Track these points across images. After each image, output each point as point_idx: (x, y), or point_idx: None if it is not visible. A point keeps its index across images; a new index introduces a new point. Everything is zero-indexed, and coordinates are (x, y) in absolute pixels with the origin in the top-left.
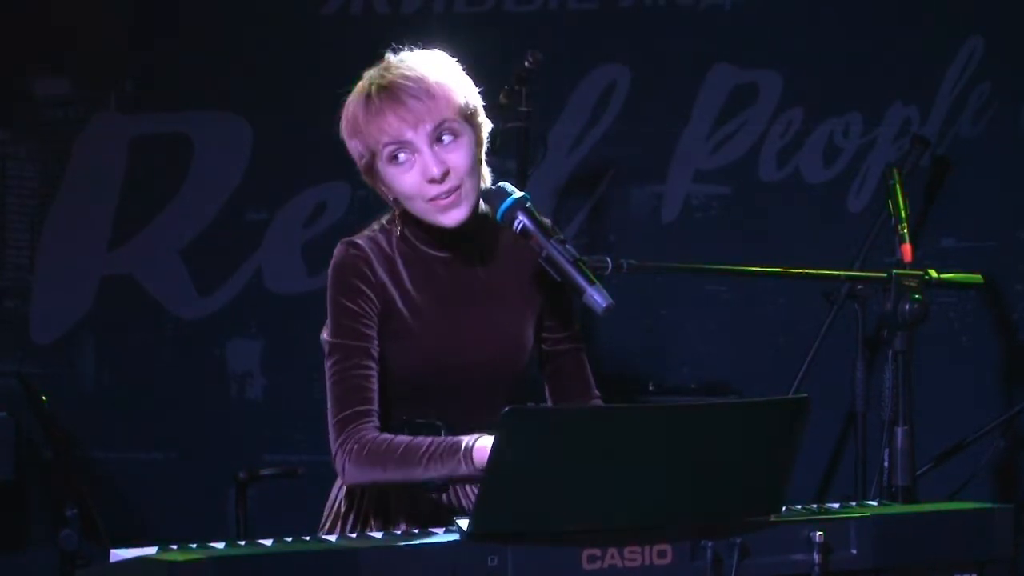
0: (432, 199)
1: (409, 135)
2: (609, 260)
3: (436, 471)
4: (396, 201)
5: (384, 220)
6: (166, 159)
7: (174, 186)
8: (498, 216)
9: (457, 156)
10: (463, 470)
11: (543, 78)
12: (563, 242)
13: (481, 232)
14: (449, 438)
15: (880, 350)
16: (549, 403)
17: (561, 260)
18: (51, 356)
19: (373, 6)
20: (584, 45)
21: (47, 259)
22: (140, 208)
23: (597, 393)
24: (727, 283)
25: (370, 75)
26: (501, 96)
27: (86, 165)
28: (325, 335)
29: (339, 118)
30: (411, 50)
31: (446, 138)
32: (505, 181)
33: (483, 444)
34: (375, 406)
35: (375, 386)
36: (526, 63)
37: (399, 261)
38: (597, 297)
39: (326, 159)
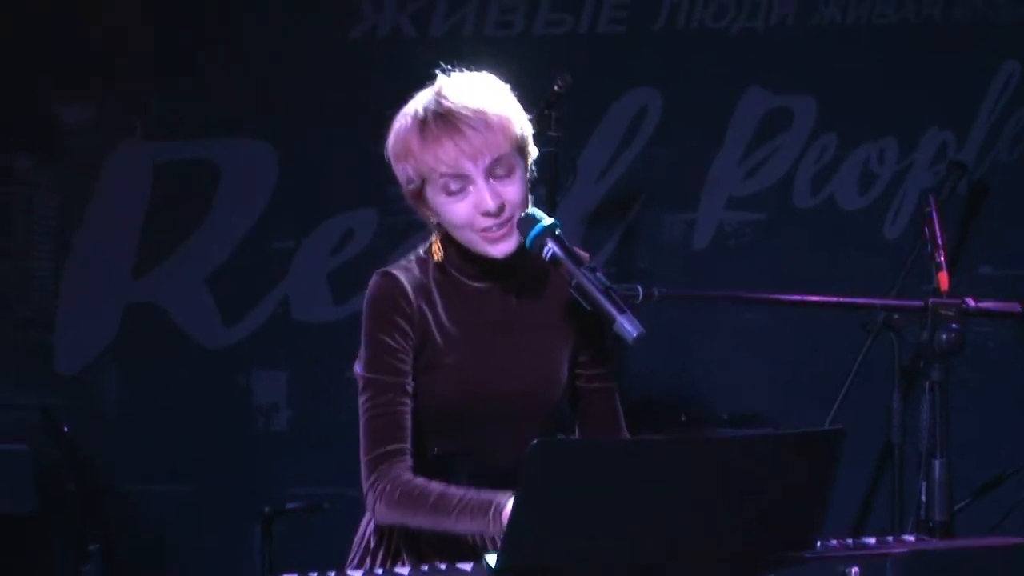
0: (483, 230)
1: (467, 167)
2: (640, 288)
3: (466, 525)
4: (439, 226)
5: (421, 250)
6: (191, 186)
7: (199, 213)
8: (527, 243)
9: (512, 190)
10: (491, 530)
11: (573, 102)
12: (593, 270)
13: (520, 263)
14: (482, 493)
15: (917, 380)
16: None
17: (591, 288)
18: (75, 386)
19: (401, 29)
20: (614, 68)
21: (71, 287)
22: (165, 236)
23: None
24: (760, 312)
25: (424, 99)
26: (530, 120)
27: (111, 192)
28: (359, 368)
29: (386, 137)
30: (462, 72)
31: (501, 171)
32: (534, 207)
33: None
34: (408, 444)
35: (409, 423)
36: (555, 87)
37: (436, 292)
38: (628, 326)
39: (353, 185)
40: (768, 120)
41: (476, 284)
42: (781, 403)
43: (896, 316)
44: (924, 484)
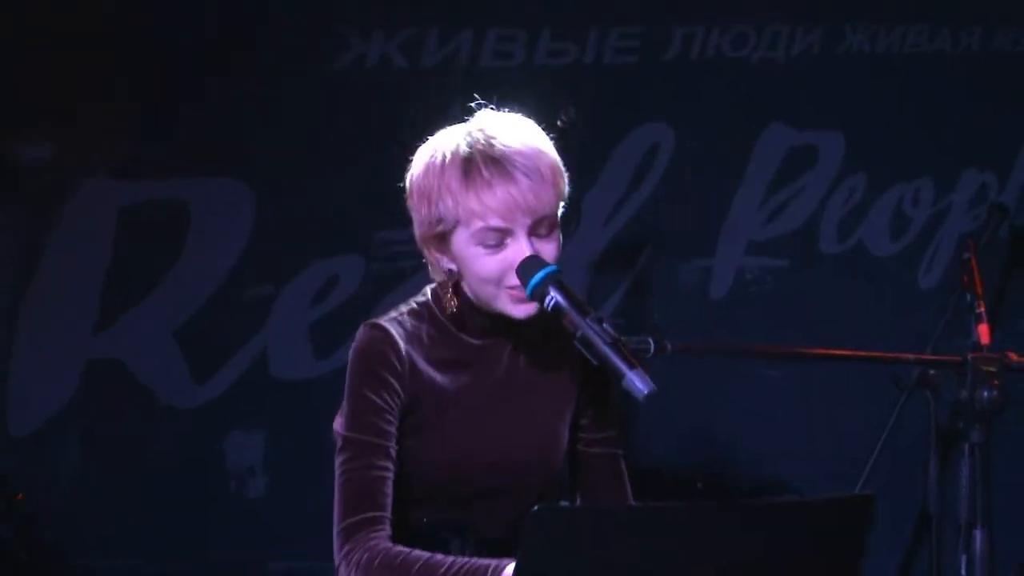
0: (511, 288)
1: (515, 221)
2: (651, 341)
3: None
4: (451, 273)
5: (415, 301)
6: (160, 230)
7: (168, 260)
8: (527, 291)
9: (550, 250)
10: None
11: (577, 138)
12: (600, 321)
13: (527, 322)
14: (472, 561)
15: (955, 443)
16: None
17: (598, 341)
18: (29, 449)
19: (391, 59)
20: (623, 102)
21: (27, 341)
22: (131, 284)
23: None
24: (783, 367)
25: (466, 135)
26: None
27: (72, 236)
28: (339, 426)
29: (408, 168)
30: (494, 109)
31: (543, 230)
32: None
33: (509, 572)
34: (388, 513)
35: (390, 490)
36: (558, 122)
37: (431, 348)
38: (638, 382)
39: (337, 229)
40: (791, 158)
41: (475, 341)
42: (806, 467)
43: (932, 372)
44: (964, 558)
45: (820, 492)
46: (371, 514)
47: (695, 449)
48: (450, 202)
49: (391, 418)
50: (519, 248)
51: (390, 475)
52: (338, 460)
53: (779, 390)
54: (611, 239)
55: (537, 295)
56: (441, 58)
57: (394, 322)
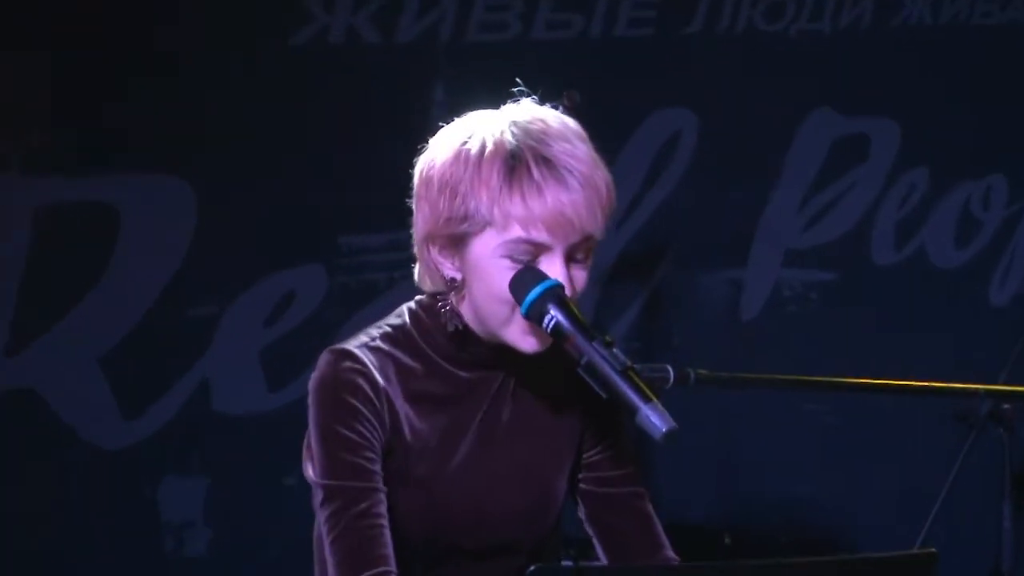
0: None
1: (559, 235)
2: (671, 370)
3: None
4: (452, 283)
5: (389, 324)
6: (83, 236)
7: (93, 272)
8: (522, 309)
9: (582, 279)
10: None
11: (583, 127)
12: (609, 345)
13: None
14: None
15: None
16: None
17: (607, 369)
18: None
19: (359, 33)
20: (637, 83)
21: None
22: (48, 301)
23: (674, 556)
24: (829, 400)
25: (514, 127)
26: None
27: None
28: (312, 474)
29: (425, 148)
30: (534, 99)
31: (581, 255)
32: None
33: None
34: (394, 567)
35: (390, 540)
36: (559, 108)
37: (409, 381)
38: (655, 419)
39: (294, 234)
40: (838, 150)
41: (464, 374)
42: (856, 519)
43: (1006, 406)
44: None
45: (873, 549)
46: (378, 570)
47: (722, 497)
48: (485, 200)
49: (373, 455)
50: (553, 269)
51: (387, 522)
52: (321, 517)
53: (823, 428)
54: (622, 247)
55: (534, 314)
56: (419, 31)
57: (363, 348)
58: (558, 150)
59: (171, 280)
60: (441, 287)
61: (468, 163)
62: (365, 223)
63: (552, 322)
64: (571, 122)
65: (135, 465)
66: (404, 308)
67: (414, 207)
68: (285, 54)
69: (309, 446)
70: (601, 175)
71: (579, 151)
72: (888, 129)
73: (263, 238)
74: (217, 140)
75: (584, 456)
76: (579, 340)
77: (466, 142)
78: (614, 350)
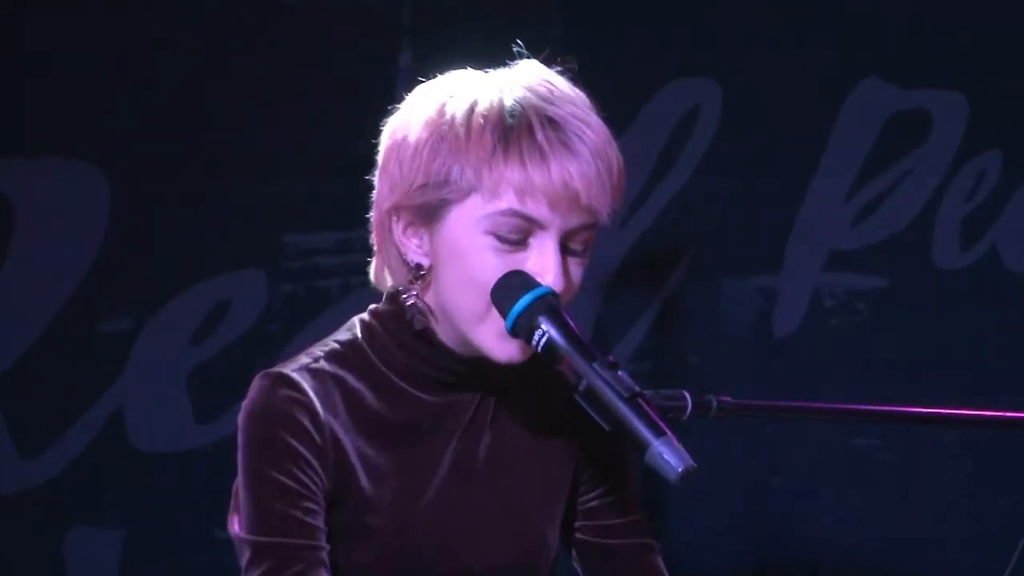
0: None
1: (561, 215)
2: (688, 397)
3: None
4: (418, 271)
5: (337, 340)
6: None
7: None
8: (507, 323)
9: (577, 275)
10: None
11: None
12: (614, 367)
13: (502, 368)
14: None
15: None
16: None
17: (610, 396)
18: None
19: None
20: (647, 47)
21: None
22: None
23: None
24: (883, 433)
25: (506, 86)
26: None
27: None
28: (237, 528)
29: (395, 110)
30: (529, 59)
31: (578, 244)
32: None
33: None
34: None
35: None
36: None
37: (361, 409)
38: (669, 456)
39: (229, 231)
40: (892, 130)
41: (429, 398)
42: (917, 572)
43: None
44: None
45: None
46: None
47: (750, 550)
48: (473, 162)
49: (314, 506)
50: (547, 255)
51: None
52: None
53: (877, 466)
54: (629, 248)
55: (521, 329)
56: None
57: (305, 372)
58: (567, 112)
59: (78, 287)
60: (403, 280)
61: (455, 119)
62: (315, 218)
63: (544, 339)
64: (580, 92)
65: (35, 513)
66: (355, 320)
67: (376, 179)
68: (219, 12)
69: (237, 493)
70: (614, 151)
71: (591, 118)
72: (953, 104)
73: (191, 236)
74: (134, 117)
75: (581, 500)
76: (577, 361)
77: (452, 97)
78: (619, 373)
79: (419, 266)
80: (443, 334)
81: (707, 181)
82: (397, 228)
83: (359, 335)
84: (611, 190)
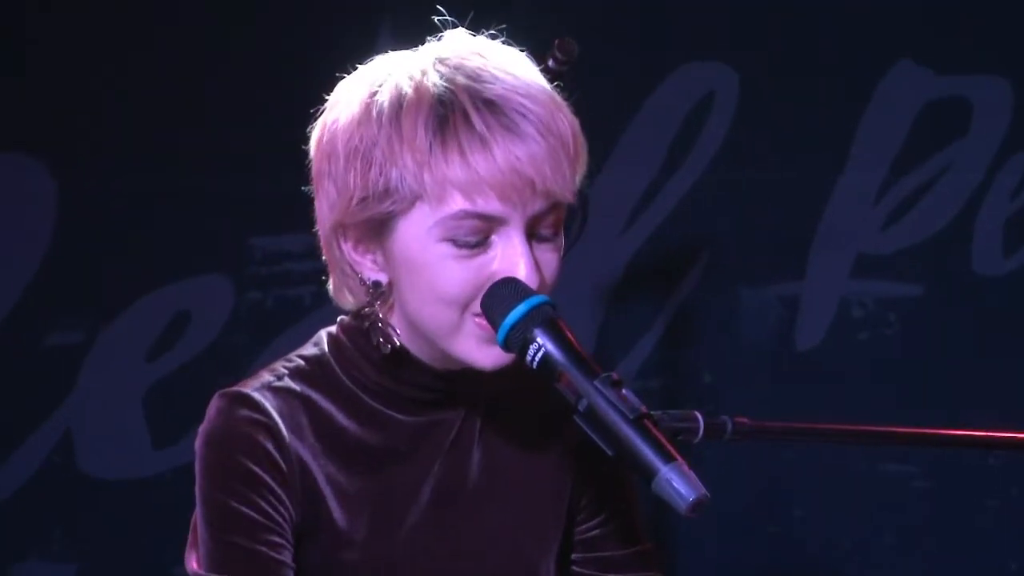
0: (481, 316)
1: (518, 206)
2: (701, 418)
3: None
4: (376, 289)
5: (302, 355)
6: None
7: None
8: (500, 336)
9: (553, 264)
10: None
11: (582, 87)
12: (617, 384)
13: (489, 383)
14: None
15: None
16: None
17: (613, 417)
18: None
19: None
20: (657, 28)
21: None
22: None
23: None
24: (918, 459)
25: (440, 66)
26: None
27: None
28: (196, 566)
29: (319, 114)
30: (475, 35)
31: (547, 229)
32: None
33: None
34: None
35: None
36: (550, 62)
37: (330, 432)
38: (679, 484)
39: (189, 234)
40: (928, 120)
41: (406, 418)
42: None
43: None
44: None
45: None
46: None
47: None
48: (409, 164)
49: (279, 539)
50: (512, 250)
51: None
52: None
53: (912, 495)
54: (637, 251)
55: (514, 342)
56: None
57: (267, 391)
58: (505, 88)
59: (21, 297)
60: (363, 298)
61: (382, 118)
62: (285, 219)
63: (539, 353)
64: (519, 55)
65: None
66: (323, 334)
67: (315, 190)
68: (177, 3)
69: (195, 527)
70: (564, 118)
71: (533, 88)
72: (996, 91)
73: (147, 239)
74: (84, 109)
75: (579, 530)
76: (576, 378)
77: (376, 92)
78: (623, 392)
79: (377, 284)
80: (416, 350)
81: (722, 177)
82: (347, 247)
83: (326, 350)
84: (569, 164)
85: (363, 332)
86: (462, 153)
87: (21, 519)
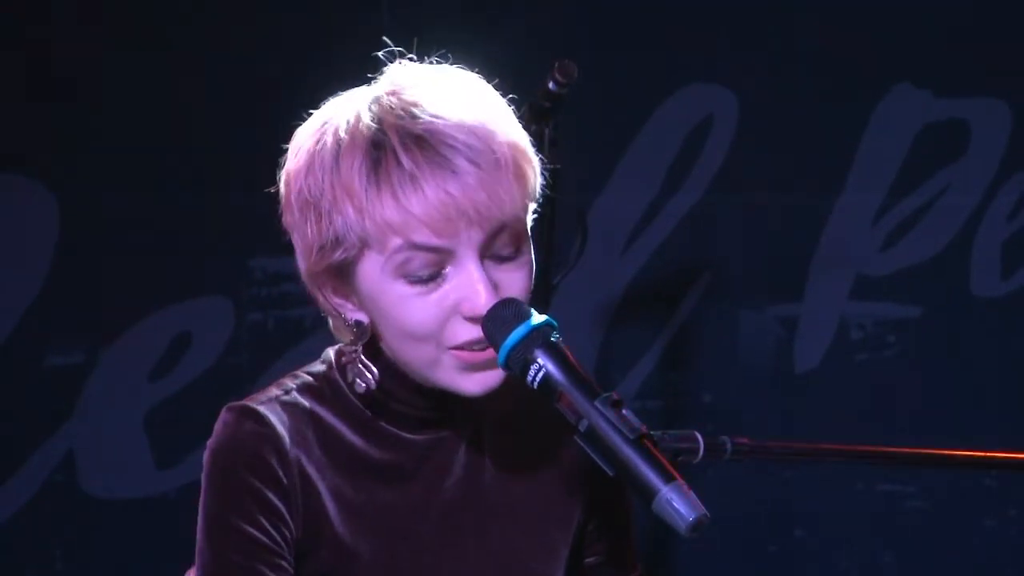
0: (459, 347)
1: (458, 236)
2: (700, 438)
3: None
4: (360, 327)
5: (310, 372)
6: None
7: None
8: (500, 357)
9: (518, 279)
10: None
11: (582, 109)
12: (617, 405)
13: (496, 400)
14: None
15: None
16: None
17: (613, 438)
18: None
19: None
20: (657, 51)
21: None
22: None
23: None
24: (916, 480)
25: (371, 105)
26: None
27: None
28: None
29: (282, 164)
30: (420, 61)
31: (505, 248)
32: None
33: None
34: None
35: None
36: (550, 84)
37: (337, 449)
38: (679, 504)
39: (191, 254)
40: (926, 142)
41: (411, 436)
42: None
43: None
44: None
45: None
46: None
47: None
48: (350, 211)
49: (280, 559)
50: (467, 278)
51: None
52: None
53: (910, 515)
54: (636, 272)
55: (515, 364)
56: None
57: (274, 405)
58: (430, 121)
59: (23, 317)
60: (349, 334)
61: (324, 168)
62: (285, 241)
63: (540, 374)
64: (461, 79)
65: None
66: (330, 352)
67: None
68: (177, 20)
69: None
70: (501, 139)
71: (466, 116)
72: (994, 113)
73: (149, 260)
74: (85, 128)
75: (587, 553)
76: (576, 398)
77: (319, 139)
78: (623, 412)
79: (359, 323)
80: (413, 374)
81: (721, 199)
82: (325, 291)
83: (334, 367)
84: (509, 182)
85: (368, 351)
86: (394, 195)
87: (23, 539)
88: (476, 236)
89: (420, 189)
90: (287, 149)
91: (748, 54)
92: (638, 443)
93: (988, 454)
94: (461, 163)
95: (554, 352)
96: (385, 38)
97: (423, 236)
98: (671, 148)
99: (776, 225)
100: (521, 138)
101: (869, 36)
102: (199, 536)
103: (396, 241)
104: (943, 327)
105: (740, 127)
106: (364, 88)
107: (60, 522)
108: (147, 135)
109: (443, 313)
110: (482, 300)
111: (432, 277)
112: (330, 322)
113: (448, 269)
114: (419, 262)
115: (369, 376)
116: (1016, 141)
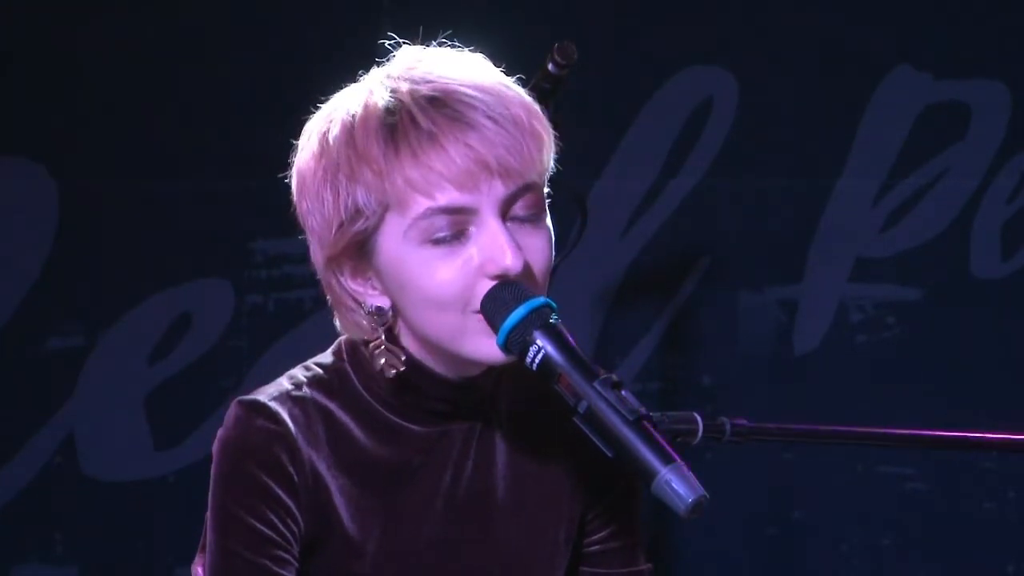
0: (481, 312)
1: (480, 191)
2: (699, 420)
3: None
4: (380, 314)
5: (319, 363)
6: None
7: None
8: (500, 338)
9: (540, 246)
10: None
11: (581, 91)
12: (616, 386)
13: (493, 382)
14: None
15: None
16: None
17: (613, 419)
18: None
19: None
20: (656, 33)
21: None
22: None
23: None
24: (916, 461)
25: (388, 80)
26: None
27: None
28: (201, 572)
29: (293, 157)
30: (428, 46)
31: (526, 211)
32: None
33: None
34: None
35: None
36: (550, 66)
37: (347, 444)
38: (678, 486)
39: (190, 237)
40: (926, 124)
41: (420, 428)
42: None
43: None
44: None
45: None
46: None
47: None
48: (369, 176)
49: (287, 554)
50: (491, 238)
51: None
52: None
53: (909, 498)
54: (634, 257)
55: (514, 345)
56: None
57: (285, 400)
58: (445, 84)
59: (24, 300)
60: (369, 326)
61: (338, 144)
62: (285, 223)
63: (539, 356)
64: (472, 57)
65: None
66: (341, 342)
67: (306, 233)
68: (176, 4)
69: (206, 534)
70: (515, 97)
71: (476, 73)
72: (994, 95)
73: (148, 242)
74: (83, 110)
75: (587, 543)
76: (576, 380)
77: (330, 121)
78: (623, 393)
79: (380, 309)
80: (431, 362)
81: (721, 182)
82: (344, 279)
83: (345, 360)
84: (526, 140)
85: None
86: (414, 154)
87: (23, 521)
88: (496, 191)
89: (440, 145)
90: (286, 130)
91: (748, 37)
92: (637, 424)
93: (988, 436)
94: (479, 118)
95: (553, 334)
96: (390, 33)
97: (446, 194)
98: (671, 131)
99: (776, 207)
100: (535, 104)
101: (869, 18)
102: (208, 532)
103: (419, 202)
104: (943, 309)
105: (740, 110)
106: (372, 71)
107: (60, 504)
108: (147, 120)
109: (468, 276)
110: (508, 258)
111: (456, 236)
112: (337, 322)
113: (471, 229)
114: (441, 223)
115: (397, 360)
116: (1016, 123)
